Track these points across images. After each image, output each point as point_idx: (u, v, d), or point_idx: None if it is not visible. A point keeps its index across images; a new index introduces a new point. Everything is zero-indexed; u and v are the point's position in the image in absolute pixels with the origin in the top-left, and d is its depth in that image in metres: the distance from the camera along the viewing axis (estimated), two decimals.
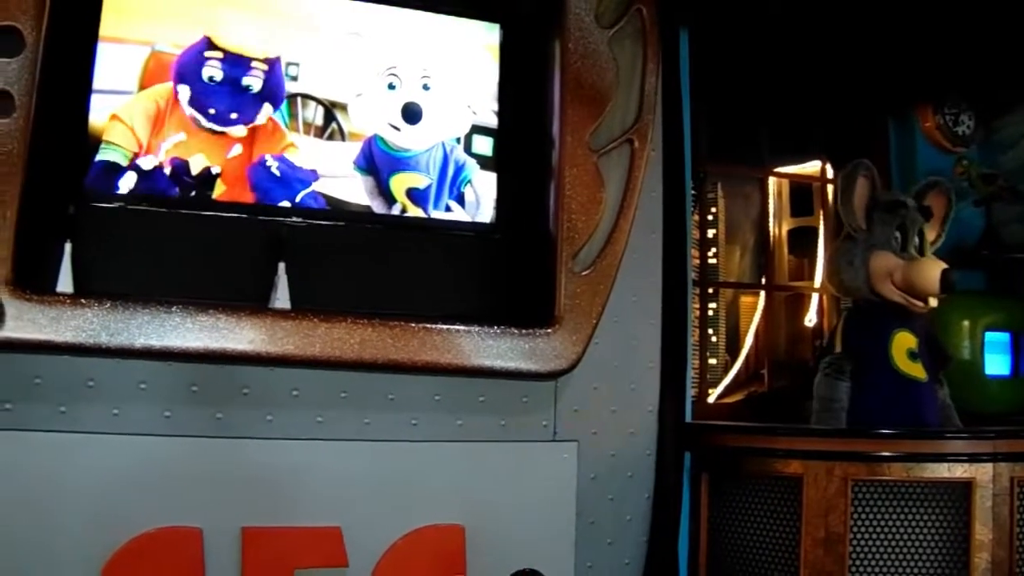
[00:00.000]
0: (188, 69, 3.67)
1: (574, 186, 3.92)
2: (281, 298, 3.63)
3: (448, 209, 4.01)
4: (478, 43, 4.11)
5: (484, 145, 4.07)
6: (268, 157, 3.76)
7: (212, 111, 3.70)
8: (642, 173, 4.03)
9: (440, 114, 4.00)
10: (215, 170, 3.69)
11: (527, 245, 4.04)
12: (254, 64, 3.75)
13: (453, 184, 4.01)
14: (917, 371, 4.13)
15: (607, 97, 4.01)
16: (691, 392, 4.48)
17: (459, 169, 4.01)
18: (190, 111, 3.67)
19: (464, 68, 4.06)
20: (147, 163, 3.60)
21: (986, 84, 5.13)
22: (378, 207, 3.91)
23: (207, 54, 3.70)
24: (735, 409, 4.98)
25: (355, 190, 3.89)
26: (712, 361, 5.07)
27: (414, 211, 3.96)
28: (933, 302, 4.14)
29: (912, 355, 4.13)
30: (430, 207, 3.98)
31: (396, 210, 3.94)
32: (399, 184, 3.93)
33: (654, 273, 4.15)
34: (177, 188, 3.64)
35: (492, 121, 4.09)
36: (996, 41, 4.65)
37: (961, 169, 5.09)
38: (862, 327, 4.26)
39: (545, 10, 4.06)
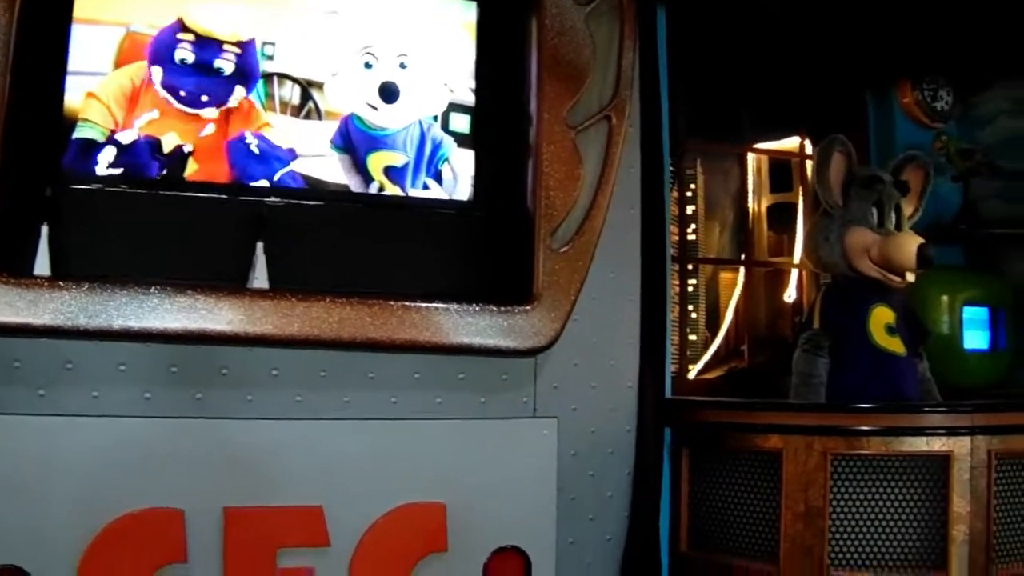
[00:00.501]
0: (161, 50, 3.67)
1: (552, 163, 3.92)
2: (260, 278, 3.63)
3: (426, 187, 4.01)
4: (455, 21, 4.10)
5: (462, 123, 4.07)
6: (248, 133, 3.76)
7: (182, 93, 3.69)
8: (620, 149, 4.03)
9: (417, 92, 4.00)
10: (187, 148, 3.68)
11: (505, 222, 4.04)
12: (226, 47, 3.74)
13: (431, 162, 4.01)
14: (895, 346, 4.15)
15: (584, 74, 4.00)
16: (671, 368, 4.49)
17: (436, 147, 4.00)
18: (162, 92, 3.67)
19: (441, 46, 4.06)
20: (124, 138, 3.62)
21: (964, 60, 5.14)
22: (356, 185, 3.92)
23: (179, 36, 3.69)
24: (715, 385, 5.00)
25: (333, 169, 3.89)
26: (692, 337, 5.07)
27: (392, 189, 3.96)
28: (910, 277, 4.15)
29: (890, 330, 4.15)
30: (407, 185, 3.98)
31: (374, 188, 3.94)
32: (376, 162, 3.93)
33: (633, 249, 4.15)
34: (153, 164, 3.64)
35: (469, 99, 4.09)
36: (974, 16, 4.65)
37: (940, 144, 5.10)
38: (839, 303, 4.28)
39: None
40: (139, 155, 3.63)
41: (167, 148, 3.66)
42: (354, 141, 3.92)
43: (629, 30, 4.12)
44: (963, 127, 5.27)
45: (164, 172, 3.64)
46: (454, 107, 4.06)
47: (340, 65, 3.90)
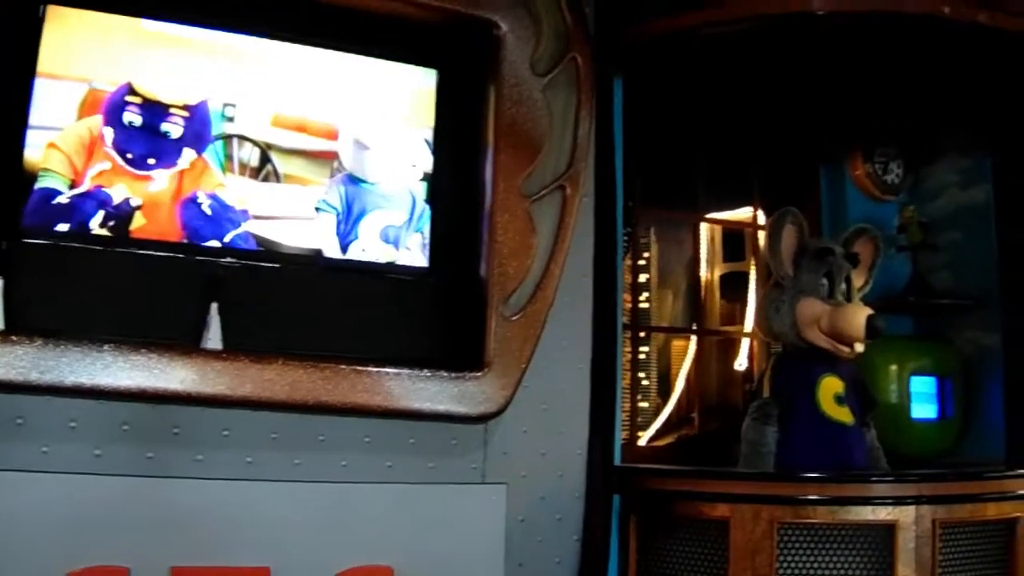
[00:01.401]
0: (112, 111, 3.71)
1: (505, 232, 3.96)
2: (213, 338, 3.64)
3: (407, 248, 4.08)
4: (413, 89, 4.17)
5: (417, 190, 4.15)
6: (200, 193, 3.79)
7: (130, 155, 3.72)
8: (573, 219, 4.07)
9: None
10: (135, 202, 3.70)
11: (459, 289, 4.06)
12: (173, 111, 3.78)
13: (417, 224, 4.11)
14: (844, 415, 4.20)
15: (540, 144, 4.06)
16: (621, 435, 4.51)
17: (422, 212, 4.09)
18: (112, 153, 3.70)
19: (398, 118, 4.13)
20: (86, 185, 3.65)
21: (915, 133, 5.26)
22: (329, 248, 3.99)
23: (127, 99, 3.73)
24: (666, 452, 5.02)
25: (288, 232, 3.92)
26: (643, 404, 5.11)
27: (385, 250, 4.03)
28: (859, 347, 4.20)
29: (839, 399, 4.20)
30: (400, 246, 4.07)
31: (357, 249, 4.00)
32: (373, 222, 3.99)
33: (584, 318, 4.18)
34: (101, 216, 3.66)
35: (426, 167, 4.14)
36: (925, 91, 4.78)
37: (908, 214, 5.15)
38: (789, 372, 4.33)
39: (481, 56, 4.12)
40: (88, 206, 3.65)
41: (115, 200, 3.69)
42: (349, 199, 3.98)
43: (586, 101, 4.18)
44: (912, 199, 5.33)
45: (111, 224, 3.65)
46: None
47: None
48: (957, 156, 5.23)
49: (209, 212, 3.78)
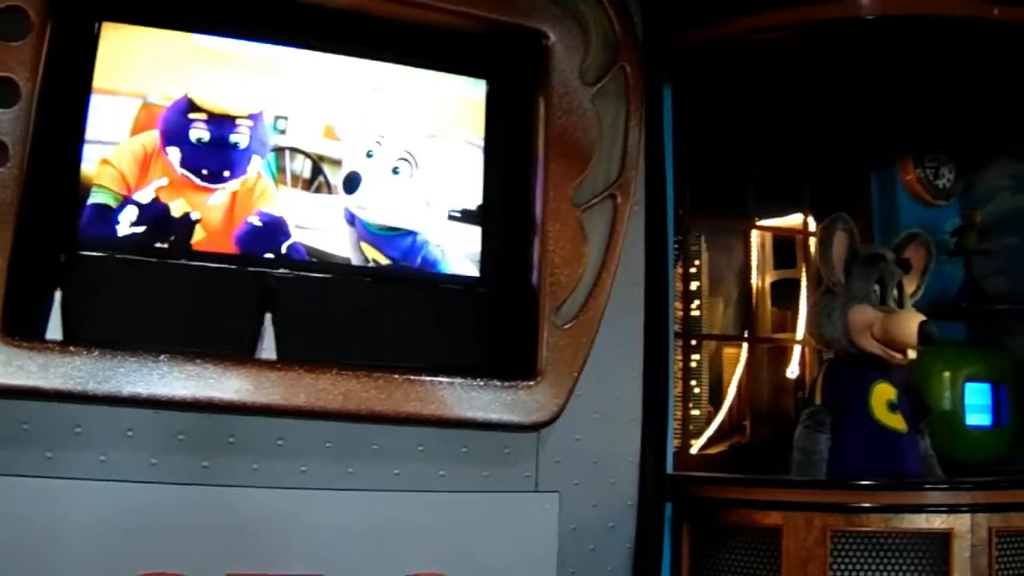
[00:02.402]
0: (174, 131, 3.73)
1: (557, 241, 3.97)
2: (267, 348, 3.67)
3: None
4: (464, 101, 4.19)
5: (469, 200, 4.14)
6: (252, 215, 3.83)
7: (205, 172, 3.77)
8: (624, 228, 4.08)
9: (405, 200, 4.06)
10: (195, 216, 3.73)
11: (511, 298, 4.08)
12: (239, 121, 3.82)
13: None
14: (897, 422, 4.15)
15: (590, 153, 4.06)
16: (673, 443, 4.49)
17: (429, 263, 4.08)
18: (183, 172, 3.74)
19: (445, 156, 4.14)
20: (142, 198, 3.69)
21: (966, 137, 5.20)
22: (358, 260, 3.98)
23: (191, 116, 3.76)
24: (718, 460, 5.01)
25: (339, 242, 3.95)
26: (695, 412, 5.08)
27: None
28: (912, 354, 4.16)
29: (892, 406, 4.15)
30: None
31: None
32: (369, 252, 4.01)
33: (636, 326, 4.19)
34: (162, 232, 3.71)
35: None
36: (976, 94, 4.71)
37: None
38: (841, 379, 4.29)
39: (530, 66, 4.14)
40: (153, 219, 3.70)
41: (175, 214, 3.73)
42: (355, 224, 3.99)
43: (635, 109, 4.19)
44: (964, 204, 5.30)
45: (172, 239, 3.69)
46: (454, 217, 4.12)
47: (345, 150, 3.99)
48: (1009, 160, 5.19)
49: (261, 224, 3.81)
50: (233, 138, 3.82)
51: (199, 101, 3.78)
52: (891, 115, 4.97)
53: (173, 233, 3.71)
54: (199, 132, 3.77)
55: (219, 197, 3.79)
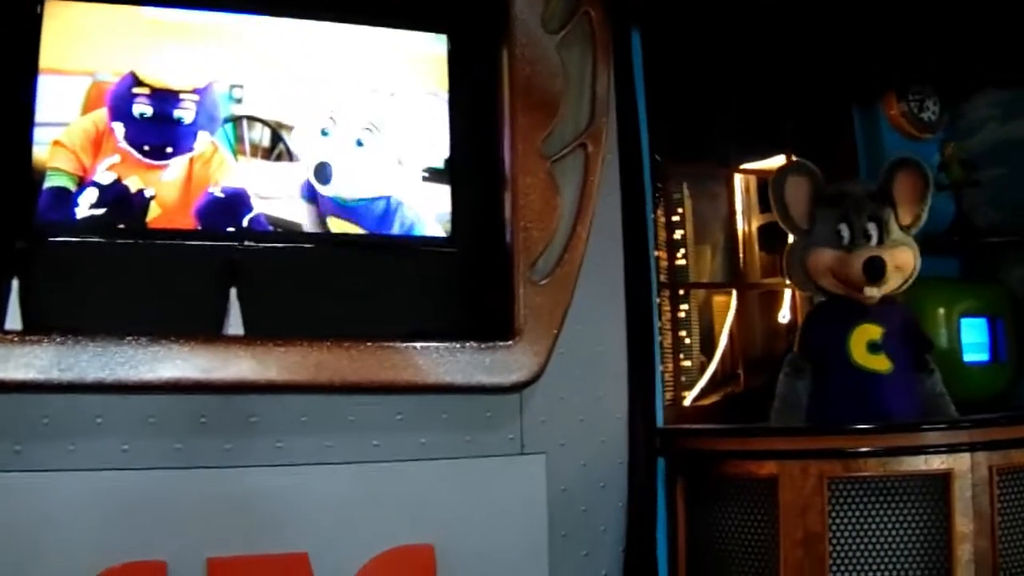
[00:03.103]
0: (119, 106, 3.65)
1: (528, 195, 3.88)
2: (234, 324, 3.60)
3: None
4: (424, 57, 4.09)
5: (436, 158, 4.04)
6: (212, 189, 3.75)
7: (147, 147, 3.67)
8: (597, 177, 3.99)
9: (371, 170, 3.98)
10: (149, 192, 3.66)
11: (484, 257, 4.01)
12: (183, 96, 3.72)
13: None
14: (877, 363, 4.04)
15: (557, 102, 3.97)
16: (666, 396, 4.44)
17: (407, 227, 4.00)
18: (126, 147, 3.65)
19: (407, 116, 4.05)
20: (102, 179, 3.62)
21: (950, 67, 5.06)
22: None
23: (135, 91, 3.67)
24: (712, 411, 4.90)
25: (303, 211, 3.86)
26: (687, 363, 4.97)
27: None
28: (870, 292, 4.05)
29: (873, 347, 4.05)
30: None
31: None
32: (337, 226, 3.92)
33: (616, 278, 4.09)
34: (120, 212, 3.62)
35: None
36: (958, 23, 4.59)
37: (949, 151, 5.01)
38: (820, 323, 4.24)
39: (491, 17, 4.03)
40: (112, 199, 3.62)
41: (130, 192, 3.64)
42: (317, 200, 3.90)
43: (602, 55, 4.08)
44: (951, 136, 5.17)
45: (127, 217, 3.63)
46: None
47: (300, 123, 3.90)
48: (995, 89, 5.04)
49: (221, 197, 3.72)
50: (177, 113, 3.72)
51: (143, 76, 3.69)
52: (871, 48, 4.84)
53: (129, 212, 3.64)
54: (142, 107, 3.68)
55: (174, 172, 3.71)
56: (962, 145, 5.07)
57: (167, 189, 3.67)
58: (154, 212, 3.66)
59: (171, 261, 3.69)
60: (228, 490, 3.46)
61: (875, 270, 4.00)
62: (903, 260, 4.13)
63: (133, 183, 3.64)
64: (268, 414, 3.55)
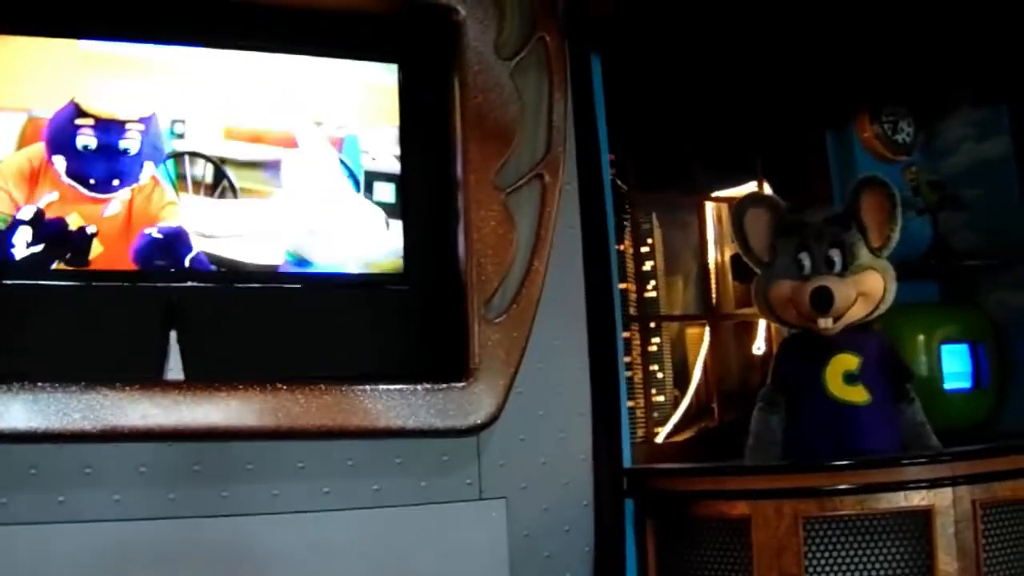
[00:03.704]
0: (60, 138, 3.51)
1: (481, 228, 3.75)
2: (174, 368, 3.47)
3: None
4: (374, 85, 3.96)
5: (386, 192, 3.90)
6: (150, 230, 3.62)
7: (93, 181, 3.54)
8: (555, 209, 3.86)
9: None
10: (91, 230, 3.53)
11: (438, 294, 3.88)
12: (128, 125, 3.59)
13: None
14: (854, 395, 3.90)
15: (512, 132, 3.85)
16: (637, 433, 4.35)
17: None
18: (69, 181, 3.51)
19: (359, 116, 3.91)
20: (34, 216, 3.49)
21: (923, 88, 4.96)
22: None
23: (78, 122, 3.53)
24: (686, 447, 4.76)
25: (248, 249, 3.73)
26: (659, 398, 4.84)
27: None
28: (824, 323, 3.91)
29: (850, 378, 3.91)
30: None
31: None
32: None
33: (578, 312, 3.96)
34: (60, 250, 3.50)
35: (394, 167, 3.90)
36: (931, 43, 4.49)
37: (911, 176, 4.87)
38: (793, 355, 4.10)
39: (442, 45, 3.92)
40: (51, 237, 3.49)
41: (72, 230, 3.52)
42: None
43: (559, 82, 3.96)
44: (926, 158, 5.05)
45: (68, 256, 3.50)
46: (377, 176, 3.88)
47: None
48: (970, 108, 4.91)
49: (160, 237, 3.60)
50: (122, 144, 3.59)
51: (86, 107, 3.55)
52: (842, 70, 4.74)
53: (70, 250, 3.51)
54: (86, 139, 3.54)
55: (115, 207, 3.58)
56: (930, 167, 4.97)
57: (108, 225, 3.55)
58: (96, 250, 3.54)
59: (111, 302, 3.57)
60: (169, 542, 3.31)
61: (822, 300, 3.86)
62: (869, 286, 3.97)
63: (74, 220, 3.52)
64: (211, 463, 3.41)
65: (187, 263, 3.62)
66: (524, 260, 3.80)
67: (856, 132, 5.07)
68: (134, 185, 3.58)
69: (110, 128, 3.58)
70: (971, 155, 4.93)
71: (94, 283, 3.53)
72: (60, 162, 3.51)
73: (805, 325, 4.01)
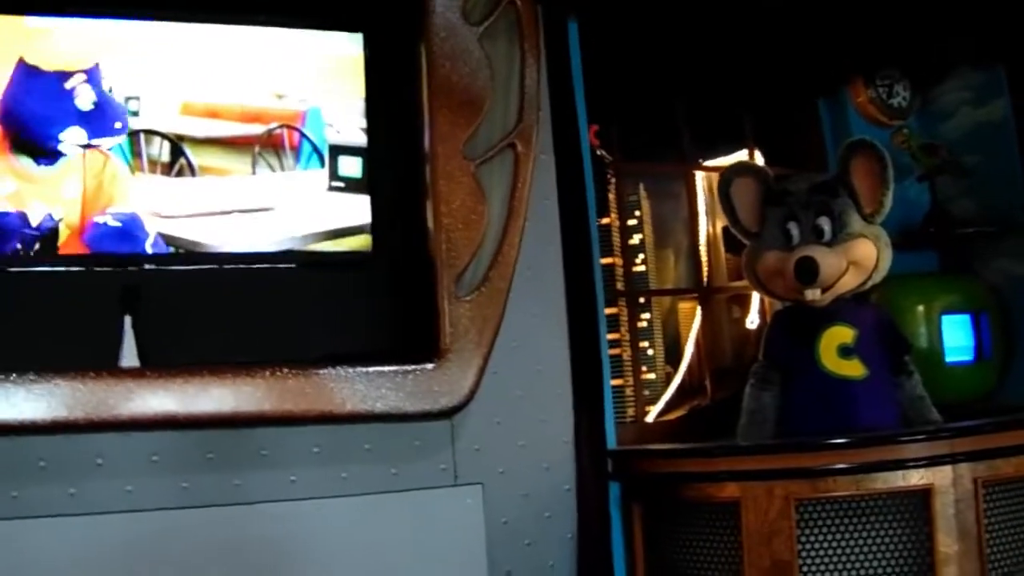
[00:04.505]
0: (11, 104, 3.40)
1: (450, 202, 3.62)
2: (129, 355, 3.37)
3: None
4: (339, 56, 3.83)
5: (352, 166, 3.77)
6: (104, 217, 3.51)
7: (42, 147, 3.44)
8: (528, 180, 3.72)
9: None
10: (57, 214, 3.43)
11: (407, 272, 3.77)
12: (75, 75, 3.50)
13: None
14: (850, 369, 3.79)
15: (481, 100, 3.70)
16: (628, 412, 4.28)
17: None
18: (20, 163, 3.40)
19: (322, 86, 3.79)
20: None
21: (918, 49, 4.84)
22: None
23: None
24: (678, 426, 4.61)
25: (208, 230, 3.61)
26: (650, 376, 4.69)
27: None
28: (810, 294, 3.79)
29: (845, 351, 3.80)
30: None
31: None
32: None
33: (556, 289, 3.84)
34: (18, 244, 3.40)
35: (360, 140, 3.78)
36: (927, 2, 4.37)
37: (901, 138, 4.75)
38: (785, 329, 3.99)
39: (408, 12, 3.78)
40: (9, 230, 3.39)
41: (35, 220, 3.43)
42: None
43: (531, 48, 3.81)
44: (923, 122, 4.93)
45: (37, 247, 3.41)
46: (344, 150, 3.74)
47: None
48: (967, 70, 4.81)
49: (116, 221, 3.51)
50: (69, 84, 3.49)
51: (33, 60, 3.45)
52: (834, 33, 4.58)
53: (38, 240, 3.44)
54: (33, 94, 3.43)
55: (73, 189, 3.46)
56: (925, 132, 4.88)
57: (71, 208, 3.46)
58: (65, 235, 3.46)
59: (69, 288, 3.48)
60: (125, 536, 3.19)
61: (806, 271, 3.75)
62: (860, 254, 3.83)
63: (38, 209, 3.44)
64: (170, 452, 3.28)
65: (146, 246, 3.54)
66: (496, 235, 3.67)
67: (850, 97, 4.98)
68: (89, 146, 3.48)
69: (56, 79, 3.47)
70: (969, 119, 4.81)
71: (44, 269, 3.47)
72: (10, 130, 3.41)
73: (794, 298, 3.90)
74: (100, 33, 3.52)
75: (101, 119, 3.49)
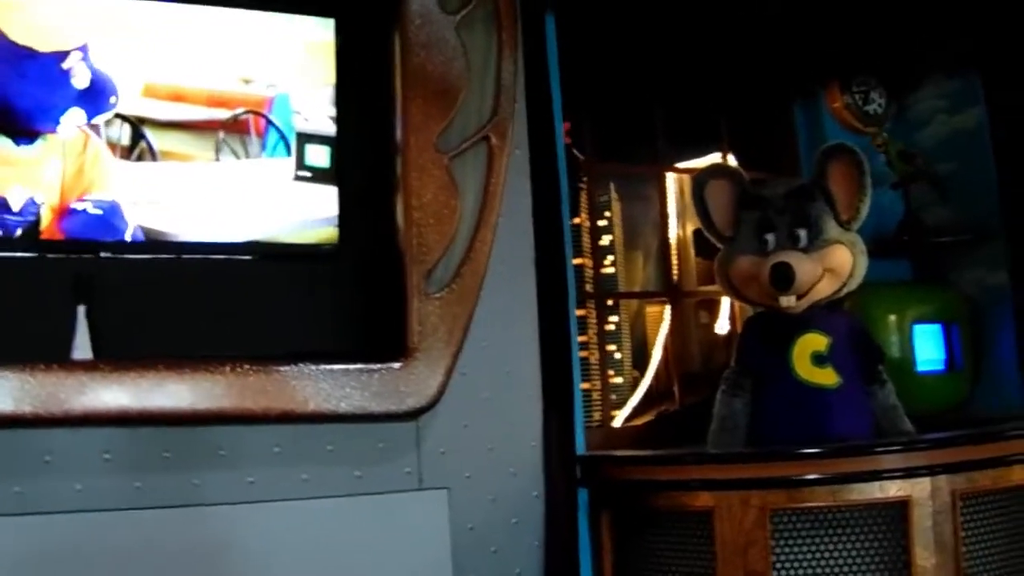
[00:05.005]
0: None
1: (422, 195, 3.53)
2: (82, 347, 3.25)
3: None
4: (309, 42, 3.72)
5: (320, 156, 3.65)
6: (84, 203, 3.38)
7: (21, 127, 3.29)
8: (502, 175, 3.65)
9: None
10: (39, 198, 3.29)
11: (375, 267, 3.67)
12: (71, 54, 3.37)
13: None
14: (823, 377, 3.74)
15: (456, 91, 3.62)
16: (594, 416, 4.24)
17: None
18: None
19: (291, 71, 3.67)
20: None
21: (896, 57, 4.85)
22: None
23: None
24: (645, 431, 4.55)
25: (168, 217, 3.48)
26: (617, 380, 4.63)
27: None
28: (785, 301, 3.75)
29: (818, 359, 3.75)
30: None
31: None
32: None
33: (528, 288, 3.77)
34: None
35: (328, 128, 3.67)
36: (899, 8, 4.37)
37: (880, 143, 4.76)
38: (758, 335, 3.94)
39: None
40: None
41: (16, 205, 3.29)
42: None
43: (508, 39, 3.74)
44: (899, 130, 4.92)
45: (20, 232, 3.28)
46: (311, 138, 3.63)
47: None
48: (943, 78, 4.83)
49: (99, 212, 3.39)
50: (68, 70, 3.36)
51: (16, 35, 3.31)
52: (811, 38, 4.61)
53: (20, 226, 3.30)
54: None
55: (53, 168, 3.33)
56: (901, 139, 4.85)
57: (53, 191, 3.33)
58: (48, 219, 3.33)
59: (21, 276, 3.34)
60: (77, 538, 3.07)
61: (782, 277, 3.70)
62: (837, 261, 3.80)
63: (18, 194, 3.29)
64: (121, 451, 3.16)
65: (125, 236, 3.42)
66: (468, 230, 3.59)
67: (826, 102, 4.98)
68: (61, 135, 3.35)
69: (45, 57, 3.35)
70: (945, 126, 4.82)
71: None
72: None
73: (769, 304, 3.86)
74: (64, 9, 3.39)
75: (98, 97, 3.39)
